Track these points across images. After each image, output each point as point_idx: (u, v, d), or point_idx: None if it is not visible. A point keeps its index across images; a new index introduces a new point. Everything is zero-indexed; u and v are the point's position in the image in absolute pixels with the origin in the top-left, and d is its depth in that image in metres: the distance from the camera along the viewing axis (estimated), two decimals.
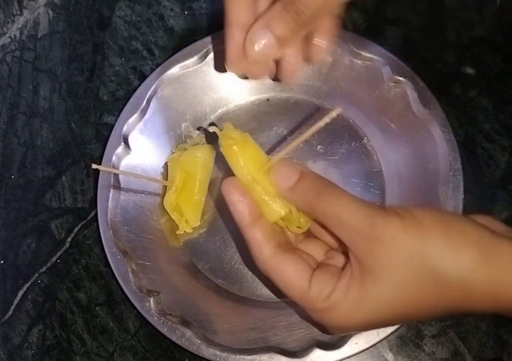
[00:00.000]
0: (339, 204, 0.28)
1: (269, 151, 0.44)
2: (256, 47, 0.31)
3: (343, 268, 0.29)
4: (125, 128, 0.42)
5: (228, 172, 0.32)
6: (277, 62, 0.35)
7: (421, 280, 0.27)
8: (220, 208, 0.43)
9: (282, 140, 0.44)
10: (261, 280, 0.41)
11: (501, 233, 0.27)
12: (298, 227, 0.32)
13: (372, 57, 0.41)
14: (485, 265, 0.26)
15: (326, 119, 0.28)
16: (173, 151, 0.44)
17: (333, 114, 0.27)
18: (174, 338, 0.38)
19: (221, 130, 0.31)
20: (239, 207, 0.30)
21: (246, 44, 0.31)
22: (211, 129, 0.31)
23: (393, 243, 0.27)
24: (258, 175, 0.30)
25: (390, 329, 0.37)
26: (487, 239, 0.27)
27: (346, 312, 0.28)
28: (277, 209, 0.31)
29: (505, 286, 0.26)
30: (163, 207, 0.42)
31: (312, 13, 0.30)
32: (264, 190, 0.30)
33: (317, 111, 0.44)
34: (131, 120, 0.42)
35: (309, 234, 0.33)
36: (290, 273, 0.29)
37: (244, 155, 0.31)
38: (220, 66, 0.43)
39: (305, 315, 0.31)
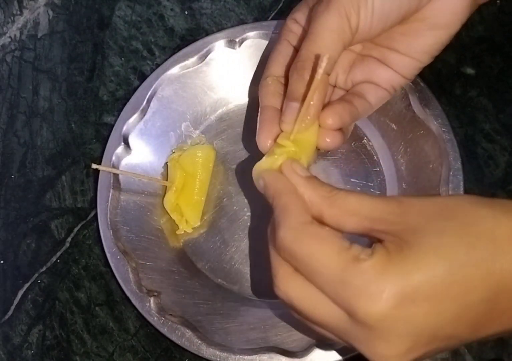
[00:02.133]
0: (354, 194, 0.27)
1: None
2: (285, 118, 0.32)
3: None
4: (125, 128, 0.42)
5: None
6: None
7: (479, 261, 0.23)
8: (220, 208, 0.43)
9: None
10: (262, 279, 0.41)
11: None
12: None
13: None
14: None
15: (320, 71, 0.27)
16: (173, 151, 0.44)
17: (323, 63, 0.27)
18: (174, 338, 0.38)
19: None
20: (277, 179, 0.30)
21: (280, 124, 0.32)
22: None
23: (461, 214, 0.24)
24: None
25: None
26: None
27: (390, 266, 0.24)
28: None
29: None
30: (163, 207, 0.42)
31: (306, 56, 0.31)
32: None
33: None
34: (131, 120, 0.42)
35: None
36: (328, 233, 0.26)
37: None
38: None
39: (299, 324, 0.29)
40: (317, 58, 0.30)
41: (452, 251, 0.24)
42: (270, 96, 0.34)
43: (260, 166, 0.32)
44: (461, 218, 0.25)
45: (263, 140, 0.33)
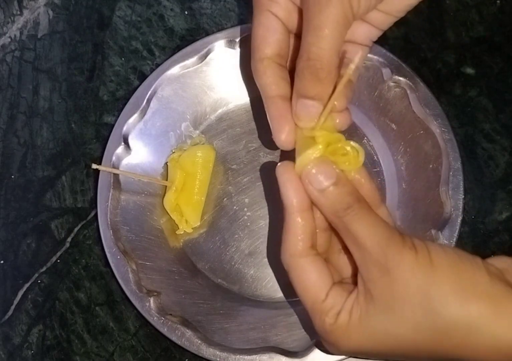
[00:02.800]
0: (361, 223, 0.28)
1: (271, 152, 0.44)
2: (303, 117, 0.31)
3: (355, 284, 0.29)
4: (125, 128, 0.42)
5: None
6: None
7: (421, 321, 0.26)
8: (220, 208, 0.43)
9: None
10: (262, 279, 0.41)
11: None
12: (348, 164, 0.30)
13: (372, 57, 0.41)
14: (494, 319, 0.25)
15: (352, 66, 0.27)
16: (173, 151, 0.44)
17: (356, 59, 0.27)
18: (174, 338, 0.38)
19: None
20: (291, 192, 0.29)
21: (295, 121, 0.31)
22: None
23: (400, 277, 0.27)
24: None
25: None
26: (500, 293, 0.26)
27: (344, 334, 0.28)
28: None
29: None
30: (163, 207, 0.42)
31: (323, 60, 0.30)
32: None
33: None
34: (131, 120, 0.42)
35: (345, 247, 0.32)
36: (312, 278, 0.29)
37: None
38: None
39: (305, 318, 0.31)
40: (344, 54, 0.30)
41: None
42: (273, 85, 0.31)
43: (306, 157, 0.30)
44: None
45: (284, 139, 0.31)
